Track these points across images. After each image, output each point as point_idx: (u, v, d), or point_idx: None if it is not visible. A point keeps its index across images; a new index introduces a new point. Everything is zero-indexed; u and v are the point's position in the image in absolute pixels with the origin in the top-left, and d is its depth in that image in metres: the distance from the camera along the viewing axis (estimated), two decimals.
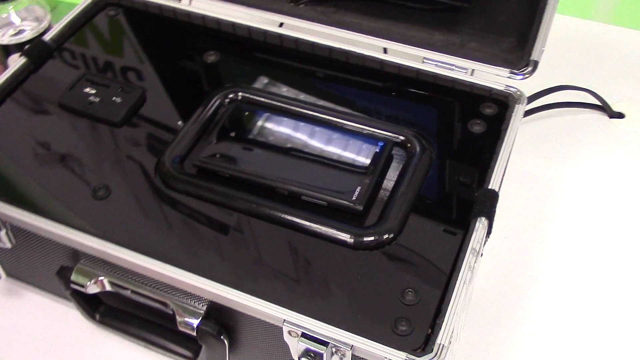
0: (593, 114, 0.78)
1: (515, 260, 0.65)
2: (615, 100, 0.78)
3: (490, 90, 0.60)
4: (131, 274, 0.51)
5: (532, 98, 0.75)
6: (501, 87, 0.60)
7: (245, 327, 0.50)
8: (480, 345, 0.59)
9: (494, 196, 0.52)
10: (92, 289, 0.52)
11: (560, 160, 0.73)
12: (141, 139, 0.58)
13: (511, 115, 0.58)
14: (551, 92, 0.76)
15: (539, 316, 0.61)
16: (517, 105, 0.58)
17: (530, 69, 0.59)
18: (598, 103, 0.78)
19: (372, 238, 0.50)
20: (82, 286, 0.52)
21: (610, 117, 0.78)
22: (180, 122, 0.59)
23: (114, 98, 0.60)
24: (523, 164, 0.72)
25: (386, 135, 0.57)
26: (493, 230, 0.53)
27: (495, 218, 0.52)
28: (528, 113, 0.76)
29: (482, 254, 0.52)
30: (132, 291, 0.51)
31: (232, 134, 0.57)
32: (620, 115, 0.78)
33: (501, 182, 0.64)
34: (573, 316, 0.61)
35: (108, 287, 0.52)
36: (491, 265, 0.64)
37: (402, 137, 0.56)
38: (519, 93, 0.59)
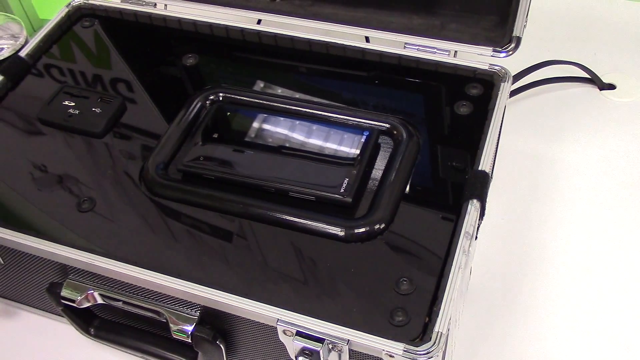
0: (583, 87, 0.77)
1: (513, 241, 0.64)
2: (605, 71, 0.77)
3: (474, 70, 0.59)
4: (121, 285, 0.50)
5: (518, 76, 0.74)
6: (485, 67, 0.59)
7: (240, 329, 0.49)
8: (481, 330, 0.58)
9: (485, 177, 0.51)
10: (83, 303, 0.51)
11: (553, 137, 0.72)
12: (123, 147, 0.57)
13: (497, 94, 0.56)
14: (538, 69, 0.75)
15: (539, 299, 0.59)
16: (502, 84, 0.57)
17: (513, 45, 0.58)
18: (587, 76, 0.76)
19: (363, 229, 0.49)
20: (73, 301, 0.51)
21: (601, 89, 0.76)
22: (162, 128, 0.58)
23: (93, 109, 0.60)
24: (516, 143, 0.71)
25: (371, 124, 0.56)
26: (489, 212, 0.52)
27: (490, 200, 0.51)
28: (516, 92, 0.75)
29: (476, 237, 0.51)
30: (124, 302, 0.51)
31: (215, 136, 0.56)
32: (611, 87, 0.77)
33: (493, 163, 0.63)
34: (573, 297, 0.59)
35: (99, 300, 0.51)
36: (488, 248, 0.63)
37: (387, 125, 0.55)
38: (503, 71, 0.58)
